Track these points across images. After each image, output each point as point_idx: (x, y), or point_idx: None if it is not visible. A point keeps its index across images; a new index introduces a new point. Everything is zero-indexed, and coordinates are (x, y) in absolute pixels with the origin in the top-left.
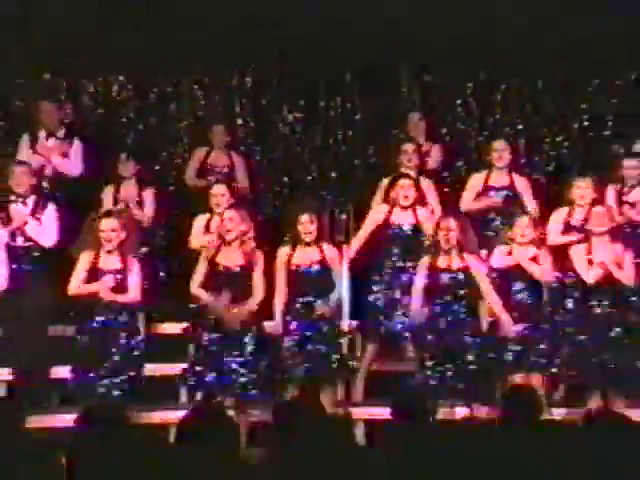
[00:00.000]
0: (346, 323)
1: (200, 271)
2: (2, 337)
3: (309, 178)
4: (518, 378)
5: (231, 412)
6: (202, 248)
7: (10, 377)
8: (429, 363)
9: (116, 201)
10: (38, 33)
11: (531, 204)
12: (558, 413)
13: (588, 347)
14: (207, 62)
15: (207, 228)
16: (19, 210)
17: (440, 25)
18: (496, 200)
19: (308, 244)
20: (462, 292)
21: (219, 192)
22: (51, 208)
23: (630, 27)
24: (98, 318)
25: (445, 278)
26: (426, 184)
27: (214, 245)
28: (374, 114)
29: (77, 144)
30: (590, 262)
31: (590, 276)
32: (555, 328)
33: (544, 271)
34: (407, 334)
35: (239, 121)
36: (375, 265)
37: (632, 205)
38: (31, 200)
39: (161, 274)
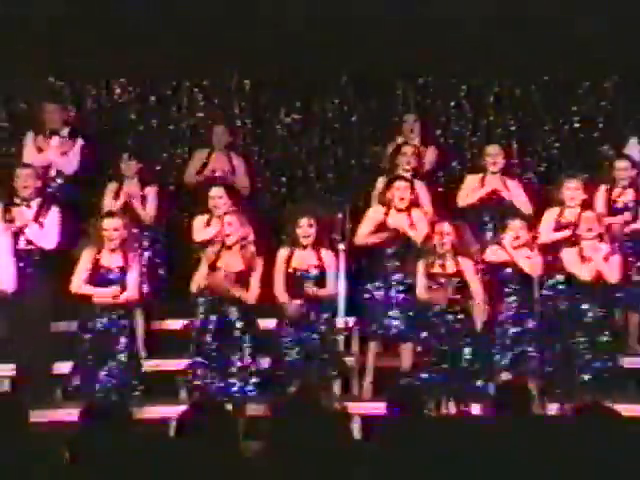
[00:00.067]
0: (342, 320)
1: (202, 274)
2: (6, 335)
3: (306, 178)
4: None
5: (229, 406)
6: (203, 250)
7: (13, 373)
8: (425, 362)
9: (117, 197)
10: (40, 36)
11: (525, 206)
12: (550, 408)
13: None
14: (206, 65)
15: (207, 225)
16: (22, 213)
17: (435, 28)
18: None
19: (306, 247)
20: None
21: (217, 194)
22: (54, 210)
23: (619, 29)
24: (99, 319)
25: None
26: (419, 185)
27: (214, 251)
28: (370, 116)
29: (79, 143)
30: (583, 259)
31: (585, 272)
32: (544, 327)
33: (534, 265)
34: (404, 334)
35: (238, 122)
36: (372, 265)
37: (624, 209)
38: (35, 203)
39: (161, 272)
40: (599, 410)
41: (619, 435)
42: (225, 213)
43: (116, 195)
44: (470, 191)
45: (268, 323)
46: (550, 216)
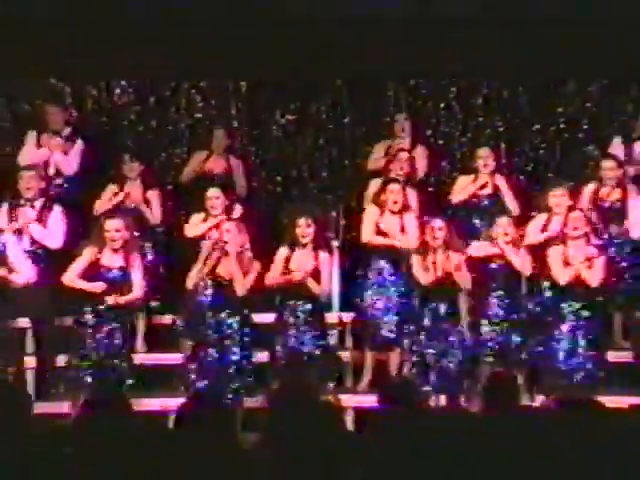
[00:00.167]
0: (336, 315)
1: (197, 271)
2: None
3: (301, 177)
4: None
5: (227, 399)
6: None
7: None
8: (415, 357)
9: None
10: (41, 37)
11: (512, 204)
12: (536, 399)
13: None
14: (204, 67)
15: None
16: (25, 213)
17: (426, 31)
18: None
19: (305, 246)
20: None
21: (214, 195)
22: (57, 210)
23: (603, 33)
24: (99, 313)
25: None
26: (410, 192)
27: (214, 258)
28: (362, 117)
29: (79, 144)
30: (566, 263)
31: (562, 277)
32: (529, 321)
33: (524, 262)
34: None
35: (235, 123)
36: (367, 263)
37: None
38: (39, 203)
39: (161, 270)
40: (584, 402)
41: (603, 426)
42: (224, 220)
43: (114, 196)
44: (462, 188)
45: (263, 318)
46: (538, 221)
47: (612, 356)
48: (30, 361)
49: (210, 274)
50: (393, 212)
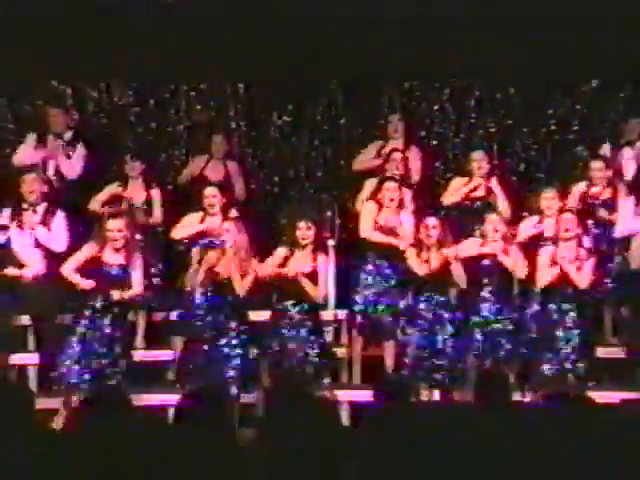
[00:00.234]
0: (331, 313)
1: (193, 271)
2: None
3: (297, 178)
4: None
5: (224, 395)
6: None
7: (20, 362)
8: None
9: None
10: (42, 39)
11: (504, 207)
12: (527, 395)
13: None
14: (202, 70)
15: (202, 222)
16: (28, 217)
17: (421, 34)
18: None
19: (305, 247)
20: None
21: (211, 193)
22: (60, 215)
23: (594, 35)
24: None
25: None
26: (406, 191)
27: (212, 257)
28: (357, 118)
29: (80, 149)
30: (554, 262)
31: (544, 279)
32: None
33: (517, 265)
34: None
35: (232, 124)
36: (361, 258)
37: (601, 205)
38: (41, 207)
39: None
40: (574, 398)
41: (593, 421)
42: (223, 220)
43: (112, 197)
44: (455, 190)
45: (259, 315)
46: (530, 222)
47: (601, 352)
48: (32, 358)
49: (208, 273)
50: (390, 209)
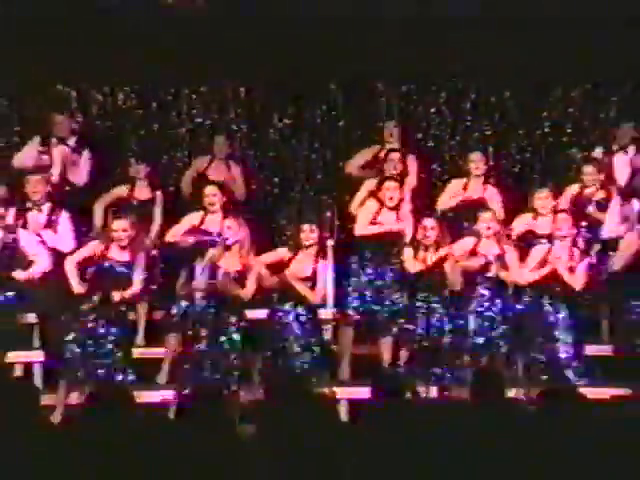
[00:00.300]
0: (330, 311)
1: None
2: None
3: (297, 179)
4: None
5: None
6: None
7: (26, 359)
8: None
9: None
10: (45, 41)
11: (496, 206)
12: (520, 392)
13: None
14: (202, 70)
15: (201, 222)
16: (33, 217)
17: (419, 36)
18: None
19: (308, 247)
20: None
21: (211, 192)
22: (65, 216)
23: (587, 39)
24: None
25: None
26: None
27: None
28: (356, 121)
29: (86, 155)
30: (545, 261)
31: (524, 278)
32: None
33: (515, 274)
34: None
35: (233, 127)
36: (357, 255)
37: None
38: (46, 207)
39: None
40: (567, 394)
41: (585, 417)
42: (225, 217)
43: (116, 200)
44: (451, 195)
45: (257, 314)
46: (523, 219)
47: (594, 349)
48: (37, 355)
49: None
50: (390, 208)
